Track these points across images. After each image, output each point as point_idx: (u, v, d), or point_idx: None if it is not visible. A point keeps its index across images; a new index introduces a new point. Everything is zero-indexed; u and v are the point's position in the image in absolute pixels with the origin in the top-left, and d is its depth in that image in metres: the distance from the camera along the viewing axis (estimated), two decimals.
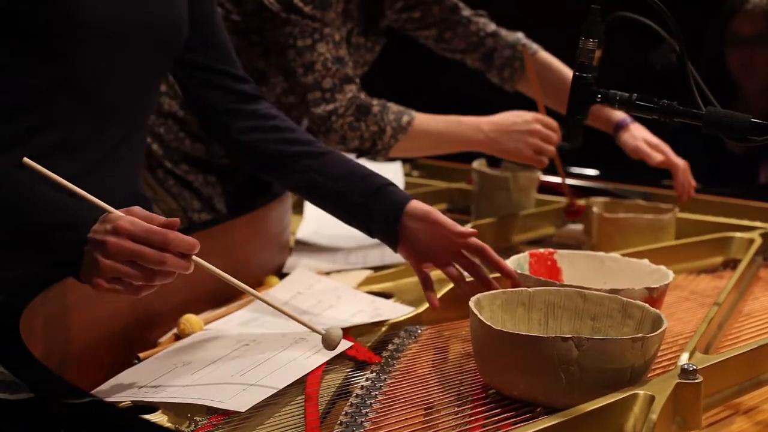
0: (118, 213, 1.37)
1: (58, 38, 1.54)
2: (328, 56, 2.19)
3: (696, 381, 1.37)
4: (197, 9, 1.76)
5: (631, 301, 1.53)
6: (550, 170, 2.77)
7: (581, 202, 2.51)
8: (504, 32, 2.62)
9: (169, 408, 1.38)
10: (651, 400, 1.32)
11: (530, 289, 1.57)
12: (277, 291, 1.89)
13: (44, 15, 1.51)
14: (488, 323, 1.41)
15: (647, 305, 1.51)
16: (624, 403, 1.33)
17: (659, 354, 1.60)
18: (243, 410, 1.34)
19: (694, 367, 1.38)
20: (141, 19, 1.63)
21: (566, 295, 1.56)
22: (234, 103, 1.82)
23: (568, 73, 2.54)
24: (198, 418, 1.35)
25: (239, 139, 1.82)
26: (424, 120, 2.30)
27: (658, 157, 2.46)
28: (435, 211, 1.73)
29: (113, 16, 1.58)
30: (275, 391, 1.40)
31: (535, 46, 2.62)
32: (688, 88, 1.62)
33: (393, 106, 2.28)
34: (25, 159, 1.37)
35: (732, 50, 3.18)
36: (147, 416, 1.36)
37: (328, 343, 1.43)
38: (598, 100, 1.59)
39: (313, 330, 1.45)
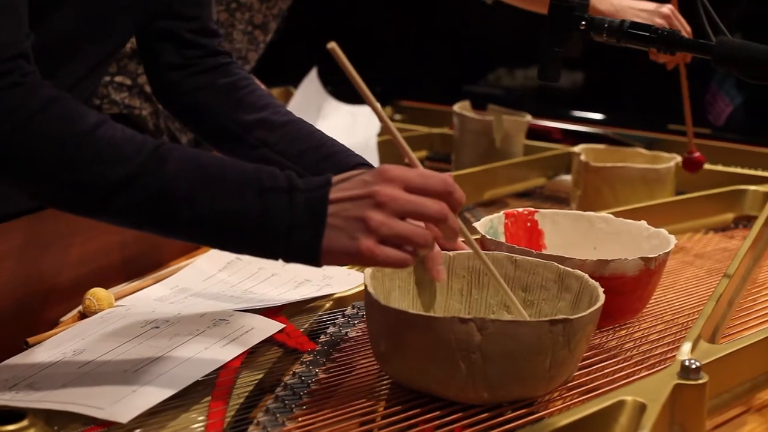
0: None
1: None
2: None
3: (700, 381, 1.10)
4: None
5: (569, 270, 1.27)
6: (541, 112, 2.54)
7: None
8: None
9: (39, 415, 1.11)
10: (642, 408, 1.05)
11: (450, 253, 1.30)
12: (211, 257, 1.62)
13: None
14: (374, 295, 1.15)
15: (586, 275, 1.24)
16: (607, 413, 1.05)
17: (655, 338, 1.34)
18: (124, 421, 1.07)
19: (698, 363, 1.11)
20: None
21: (494, 260, 1.29)
22: (192, 59, 1.51)
23: None
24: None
25: (186, 100, 1.52)
26: None
27: None
28: None
29: None
30: (171, 394, 1.13)
31: None
32: (697, 17, 1.36)
33: None
34: (332, 44, 1.07)
35: None
36: (9, 426, 1.09)
37: None
38: (582, 27, 1.31)
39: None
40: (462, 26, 3.02)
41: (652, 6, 1.98)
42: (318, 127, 1.53)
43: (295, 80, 2.78)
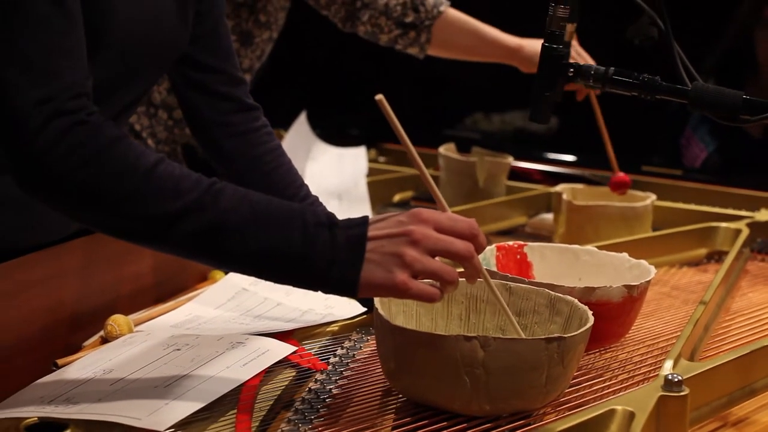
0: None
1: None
2: None
3: (682, 393, 1.21)
4: (206, 1, 1.59)
5: (560, 296, 1.38)
6: (517, 154, 2.63)
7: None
8: None
9: (80, 425, 1.21)
10: (631, 416, 1.16)
11: None
12: (219, 287, 1.72)
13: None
14: (386, 317, 1.25)
15: (576, 300, 1.36)
16: (600, 420, 1.17)
17: (638, 359, 1.45)
18: (161, 429, 1.17)
19: (680, 377, 1.22)
20: (157, 41, 1.48)
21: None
22: (227, 115, 1.64)
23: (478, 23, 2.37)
24: None
25: (229, 158, 1.65)
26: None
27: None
28: None
29: (134, 36, 1.41)
30: (201, 406, 1.23)
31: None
32: (672, 64, 1.47)
33: None
34: (380, 96, 1.19)
35: (763, 35, 3.01)
36: None
37: None
38: (570, 74, 1.43)
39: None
40: (440, 73, 3.11)
41: None
42: (308, 167, 1.65)
43: (285, 123, 2.87)
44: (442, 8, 2.28)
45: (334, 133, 2.96)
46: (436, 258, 1.19)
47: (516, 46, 2.31)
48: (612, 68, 1.43)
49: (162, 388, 1.28)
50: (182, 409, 1.22)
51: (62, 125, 1.16)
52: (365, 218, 1.20)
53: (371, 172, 2.70)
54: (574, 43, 2.25)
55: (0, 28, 1.17)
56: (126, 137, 1.19)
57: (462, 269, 1.23)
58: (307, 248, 1.17)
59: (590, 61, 2.25)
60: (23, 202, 1.37)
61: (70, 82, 1.19)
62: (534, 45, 2.30)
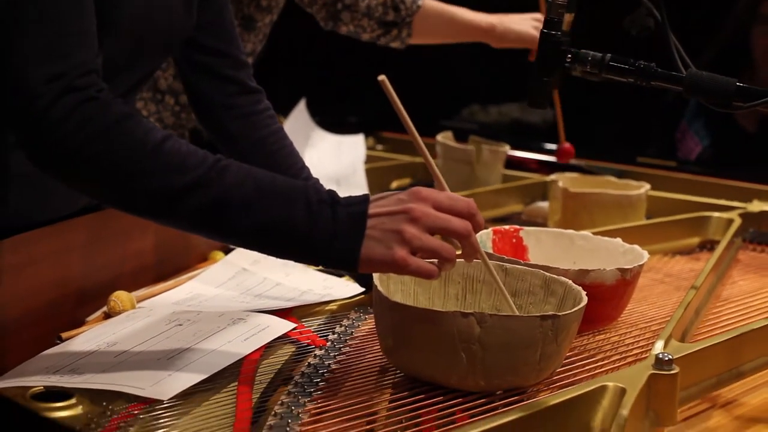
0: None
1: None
2: None
3: (672, 372, 1.25)
4: None
5: (554, 276, 1.41)
6: (519, 145, 2.67)
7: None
8: None
9: (85, 394, 1.24)
10: (622, 393, 1.19)
11: None
12: (220, 267, 1.75)
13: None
14: (385, 294, 1.29)
15: (570, 281, 1.39)
16: (591, 396, 1.20)
17: (631, 341, 1.49)
18: (165, 399, 1.21)
19: (670, 356, 1.25)
20: (163, 25, 1.52)
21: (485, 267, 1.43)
22: (231, 97, 1.69)
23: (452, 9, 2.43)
24: (115, 407, 1.21)
25: (232, 140, 1.70)
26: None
27: None
28: None
29: (141, 21, 1.45)
30: (203, 378, 1.26)
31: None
32: (668, 52, 1.49)
33: None
34: (382, 77, 1.22)
35: (759, 31, 3.04)
36: (59, 403, 1.22)
37: None
38: (568, 60, 1.45)
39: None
40: (440, 63, 3.13)
41: (528, 15, 2.36)
42: (307, 154, 1.68)
43: (284, 110, 2.90)
44: (420, 2, 2.33)
45: (333, 121, 2.99)
46: (435, 236, 1.22)
47: (488, 26, 2.39)
48: (609, 55, 1.46)
49: (165, 360, 1.31)
50: (185, 380, 1.25)
51: (72, 101, 1.18)
52: (366, 196, 1.23)
53: (369, 160, 2.73)
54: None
55: (13, 8, 1.20)
56: (135, 114, 1.22)
57: (460, 249, 1.26)
58: (310, 224, 1.20)
59: None
60: (33, 178, 1.40)
61: (80, 60, 1.22)
62: (505, 22, 2.39)
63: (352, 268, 1.21)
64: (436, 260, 1.23)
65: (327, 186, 1.45)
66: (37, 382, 1.26)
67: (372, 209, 1.21)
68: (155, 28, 1.49)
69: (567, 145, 2.44)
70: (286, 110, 2.90)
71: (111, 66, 1.39)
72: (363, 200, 1.22)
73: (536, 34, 2.21)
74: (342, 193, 1.26)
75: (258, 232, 1.22)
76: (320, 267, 1.25)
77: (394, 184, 2.63)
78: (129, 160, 1.20)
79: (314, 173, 1.76)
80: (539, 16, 2.38)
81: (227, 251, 1.85)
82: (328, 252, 1.21)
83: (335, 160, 2.67)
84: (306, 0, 2.33)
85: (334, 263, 1.22)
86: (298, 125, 2.85)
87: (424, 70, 3.22)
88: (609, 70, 1.45)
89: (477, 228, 1.24)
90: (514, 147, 2.67)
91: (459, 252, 1.26)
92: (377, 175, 2.61)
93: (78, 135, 1.18)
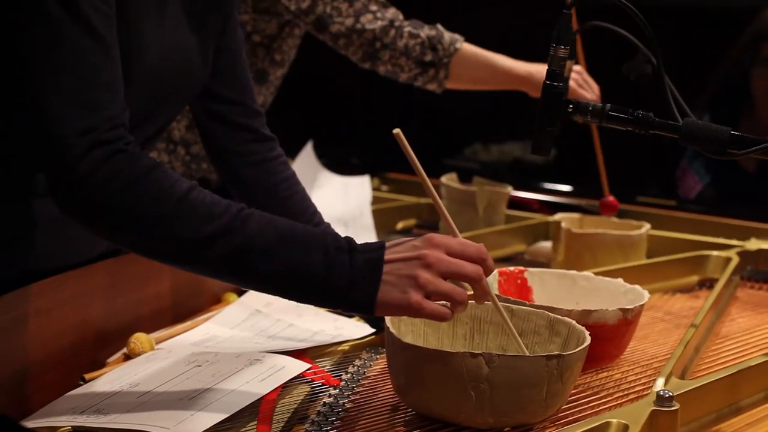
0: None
1: None
2: None
3: (673, 408, 1.30)
4: (225, 38, 1.69)
5: (558, 317, 1.47)
6: (521, 184, 2.71)
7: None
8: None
9: None
10: (625, 429, 1.25)
11: None
12: (234, 309, 1.81)
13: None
14: (397, 336, 1.35)
15: (573, 322, 1.45)
16: None
17: (633, 379, 1.54)
18: None
19: (671, 393, 1.31)
20: (181, 76, 1.58)
21: (493, 309, 1.48)
22: (245, 144, 1.75)
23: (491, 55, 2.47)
24: None
25: (246, 186, 1.76)
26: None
27: (586, 95, 2.38)
28: None
29: (162, 73, 1.52)
30: (224, 417, 1.32)
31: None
32: (664, 99, 1.56)
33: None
34: (397, 130, 1.29)
35: (759, 73, 3.09)
36: None
37: None
38: (570, 110, 1.52)
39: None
40: (441, 105, 3.19)
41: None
42: (314, 195, 1.74)
43: (292, 152, 2.95)
44: (458, 45, 2.37)
45: (337, 162, 3.05)
46: (447, 280, 1.28)
47: (526, 74, 2.41)
48: (609, 105, 1.52)
49: (187, 400, 1.36)
50: (207, 419, 1.30)
51: (103, 153, 1.25)
52: (382, 243, 1.29)
53: (374, 201, 2.78)
54: (582, 70, 2.37)
55: (43, 61, 1.27)
56: (160, 166, 1.29)
57: (471, 291, 1.32)
58: (329, 270, 1.26)
59: (595, 88, 2.37)
60: (55, 225, 1.46)
61: (109, 114, 1.28)
62: (542, 71, 2.40)
63: (370, 312, 1.27)
64: (448, 303, 1.29)
65: (335, 228, 1.51)
66: (65, 422, 1.32)
67: (388, 255, 1.27)
68: (175, 80, 1.55)
69: (611, 198, 2.44)
70: (292, 153, 2.95)
71: (131, 117, 1.46)
72: (379, 247, 1.29)
73: (575, 85, 2.29)
74: (350, 234, 1.32)
75: (279, 278, 1.28)
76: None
77: (400, 225, 2.68)
78: (156, 209, 1.26)
79: (322, 214, 1.82)
80: (578, 68, 2.40)
81: (240, 293, 1.91)
82: (347, 297, 1.27)
83: (342, 201, 2.72)
84: (341, 43, 2.36)
85: (352, 308, 1.28)
86: (306, 167, 2.89)
87: (427, 110, 3.27)
88: (609, 119, 1.52)
89: (487, 272, 1.30)
90: (516, 187, 2.72)
91: (470, 293, 1.32)
92: (383, 216, 2.66)
93: (108, 185, 1.24)
